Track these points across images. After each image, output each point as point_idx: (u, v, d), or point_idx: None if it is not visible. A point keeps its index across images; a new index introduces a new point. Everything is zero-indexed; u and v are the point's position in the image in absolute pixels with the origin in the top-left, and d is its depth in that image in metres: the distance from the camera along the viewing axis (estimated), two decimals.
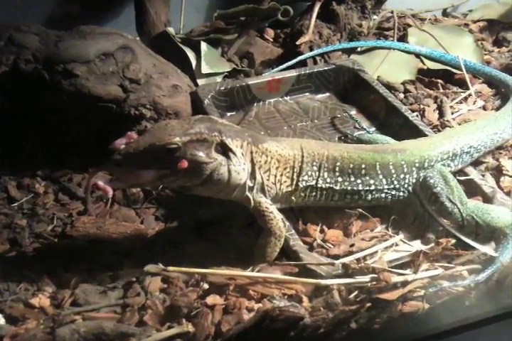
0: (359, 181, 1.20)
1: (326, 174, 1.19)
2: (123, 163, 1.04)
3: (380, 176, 1.20)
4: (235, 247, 1.17)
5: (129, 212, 1.35)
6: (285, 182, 1.17)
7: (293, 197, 1.19)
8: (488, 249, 1.14)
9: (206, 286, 1.06)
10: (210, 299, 1.01)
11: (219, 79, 1.68)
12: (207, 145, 1.07)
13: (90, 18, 1.73)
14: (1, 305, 1.06)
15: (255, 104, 1.61)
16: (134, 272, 1.14)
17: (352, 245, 1.09)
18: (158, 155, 1.05)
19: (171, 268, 1.02)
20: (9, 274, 1.17)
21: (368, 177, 1.20)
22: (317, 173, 1.18)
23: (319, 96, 1.65)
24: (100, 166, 1.10)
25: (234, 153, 1.09)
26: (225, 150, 1.09)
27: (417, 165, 1.22)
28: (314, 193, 1.19)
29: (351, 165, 1.19)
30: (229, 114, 1.59)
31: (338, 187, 1.19)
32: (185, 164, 1.05)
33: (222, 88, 1.57)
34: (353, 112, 1.59)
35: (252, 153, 1.13)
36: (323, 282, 1.01)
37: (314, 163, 1.18)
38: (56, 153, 1.48)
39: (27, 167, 1.47)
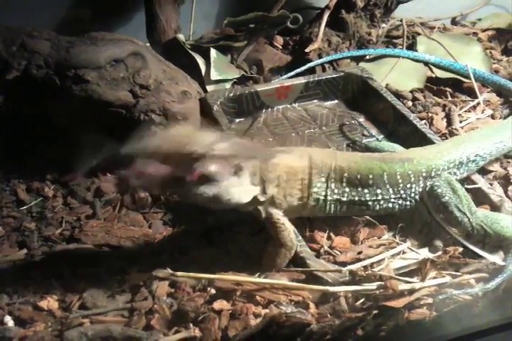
0: (366, 191, 1.20)
1: (333, 185, 1.18)
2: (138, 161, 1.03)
3: (388, 186, 1.20)
4: (242, 254, 1.17)
5: (137, 217, 1.35)
6: (296, 194, 1.17)
7: (304, 210, 1.19)
8: (496, 258, 1.13)
9: (213, 291, 1.06)
10: (217, 304, 1.02)
11: (228, 85, 1.69)
12: (225, 164, 1.06)
13: (101, 24, 1.75)
14: (10, 307, 1.07)
15: (264, 111, 1.62)
16: (142, 276, 1.14)
17: (360, 252, 1.09)
18: (177, 160, 1.04)
19: (179, 273, 1.03)
20: (18, 277, 1.18)
21: (375, 187, 1.20)
22: (325, 184, 1.18)
23: (328, 103, 1.66)
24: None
25: (245, 174, 1.09)
26: (238, 171, 1.09)
27: (424, 174, 1.22)
28: (323, 205, 1.19)
29: (358, 176, 1.19)
30: (237, 120, 1.60)
31: (345, 198, 1.19)
32: (196, 175, 1.04)
33: (231, 94, 1.58)
34: (361, 120, 1.59)
35: (262, 171, 1.13)
36: (331, 289, 1.01)
37: (322, 175, 1.18)
38: (65, 157, 1.49)
39: (36, 170, 1.48)
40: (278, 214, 1.14)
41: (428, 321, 1.03)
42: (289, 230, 1.13)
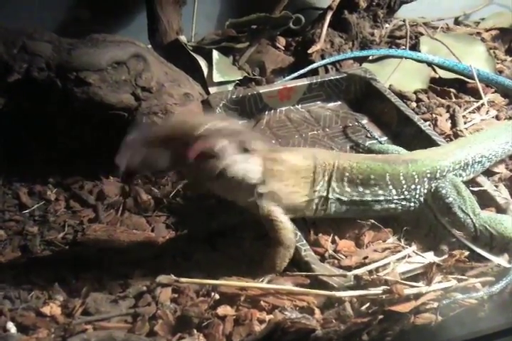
0: (367, 192, 1.19)
1: (335, 184, 1.18)
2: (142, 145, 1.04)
3: (390, 187, 1.19)
4: (246, 258, 1.16)
5: (140, 220, 1.35)
6: (298, 192, 1.16)
7: (305, 210, 1.18)
8: (501, 261, 1.13)
9: (217, 297, 1.05)
10: (221, 310, 1.01)
11: (230, 87, 1.68)
12: (229, 140, 1.07)
13: (102, 26, 1.74)
14: (12, 313, 1.06)
15: (266, 113, 1.61)
16: (145, 281, 1.14)
17: (365, 257, 1.08)
18: (180, 139, 1.05)
19: (182, 279, 1.02)
20: (20, 282, 1.17)
21: (377, 188, 1.19)
22: (327, 184, 1.18)
23: (330, 104, 1.65)
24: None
25: (250, 153, 1.10)
26: (243, 148, 1.09)
27: (428, 175, 1.21)
28: (324, 205, 1.18)
29: (360, 176, 1.18)
30: (240, 122, 1.58)
31: (346, 198, 1.18)
32: (194, 154, 1.05)
33: (234, 96, 1.57)
34: (365, 121, 1.58)
35: (265, 159, 1.13)
36: (337, 294, 1.00)
37: (325, 174, 1.18)
38: (67, 161, 1.49)
39: (38, 174, 1.47)
40: (277, 212, 1.13)
41: (434, 326, 1.02)
42: (288, 229, 1.12)
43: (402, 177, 1.20)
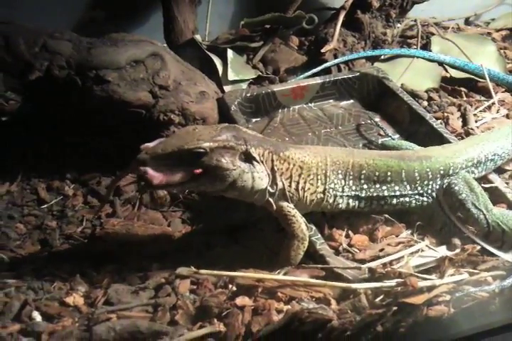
0: (384, 188, 1.22)
1: (351, 182, 1.21)
2: (149, 163, 1.06)
3: (405, 182, 1.22)
4: (267, 251, 1.19)
5: (156, 215, 1.38)
6: (309, 189, 1.19)
7: (319, 205, 1.21)
8: (509, 257, 1.14)
9: (234, 288, 1.08)
10: (240, 300, 1.03)
11: (244, 85, 1.71)
12: (232, 152, 1.10)
13: (117, 26, 1.77)
14: (37, 303, 1.08)
15: (280, 111, 1.64)
16: (164, 273, 1.16)
17: (381, 250, 1.11)
18: (184, 159, 1.08)
19: (202, 271, 1.05)
20: (42, 274, 1.20)
21: (393, 184, 1.22)
22: (342, 181, 1.20)
23: (343, 103, 1.68)
24: (127, 168, 1.12)
25: (257, 161, 1.13)
26: (248, 158, 1.12)
27: (441, 172, 1.24)
28: (341, 201, 1.21)
29: (377, 173, 1.21)
30: (254, 120, 1.62)
31: (363, 195, 1.21)
32: (199, 171, 1.08)
33: (248, 94, 1.60)
34: (377, 119, 1.61)
35: (273, 161, 1.15)
36: (353, 286, 1.03)
37: (340, 171, 1.20)
38: (84, 157, 1.51)
39: (56, 170, 1.50)
40: (288, 207, 1.16)
41: (446, 318, 1.05)
42: (299, 222, 1.16)
43: (416, 174, 1.22)
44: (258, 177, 1.12)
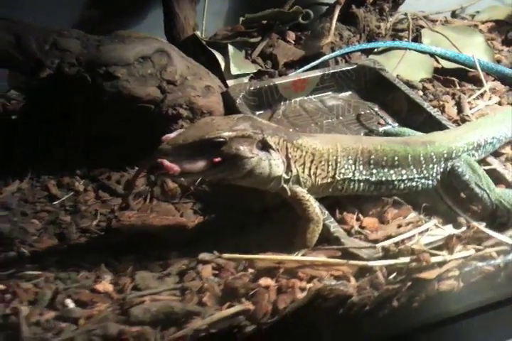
0: (392, 172, 1.28)
1: (361, 167, 1.27)
2: (171, 153, 1.10)
3: (412, 166, 1.29)
4: (291, 234, 1.23)
5: (168, 207, 1.41)
6: (320, 174, 1.24)
7: (331, 189, 1.27)
8: (505, 238, 1.19)
9: (256, 271, 1.13)
10: (263, 281, 1.07)
11: (245, 80, 1.75)
12: (250, 141, 1.15)
13: (117, 25, 1.80)
14: (68, 291, 1.11)
15: (282, 103, 1.68)
16: (183, 260, 1.20)
17: (399, 226, 1.17)
18: (204, 148, 1.12)
19: (225, 255, 1.09)
20: (66, 265, 1.22)
21: (400, 168, 1.28)
22: (353, 166, 1.26)
23: (342, 94, 1.73)
24: (148, 158, 1.15)
25: (273, 149, 1.18)
26: (265, 146, 1.17)
27: (445, 155, 1.31)
28: (352, 185, 1.27)
29: (385, 158, 1.27)
30: (258, 112, 1.66)
31: (373, 179, 1.27)
32: (218, 159, 1.12)
33: (252, 88, 1.64)
34: (376, 109, 1.66)
35: (287, 148, 1.21)
36: (370, 263, 1.08)
37: (350, 157, 1.26)
38: (92, 153, 1.54)
39: (65, 167, 1.52)
40: (302, 192, 1.22)
41: (456, 291, 1.11)
42: (314, 206, 1.21)
43: (422, 158, 1.29)
44: (275, 164, 1.17)
